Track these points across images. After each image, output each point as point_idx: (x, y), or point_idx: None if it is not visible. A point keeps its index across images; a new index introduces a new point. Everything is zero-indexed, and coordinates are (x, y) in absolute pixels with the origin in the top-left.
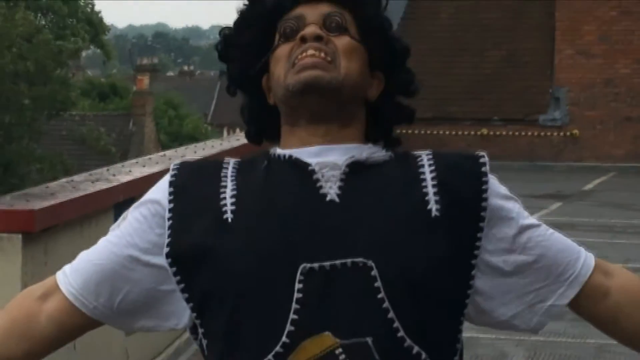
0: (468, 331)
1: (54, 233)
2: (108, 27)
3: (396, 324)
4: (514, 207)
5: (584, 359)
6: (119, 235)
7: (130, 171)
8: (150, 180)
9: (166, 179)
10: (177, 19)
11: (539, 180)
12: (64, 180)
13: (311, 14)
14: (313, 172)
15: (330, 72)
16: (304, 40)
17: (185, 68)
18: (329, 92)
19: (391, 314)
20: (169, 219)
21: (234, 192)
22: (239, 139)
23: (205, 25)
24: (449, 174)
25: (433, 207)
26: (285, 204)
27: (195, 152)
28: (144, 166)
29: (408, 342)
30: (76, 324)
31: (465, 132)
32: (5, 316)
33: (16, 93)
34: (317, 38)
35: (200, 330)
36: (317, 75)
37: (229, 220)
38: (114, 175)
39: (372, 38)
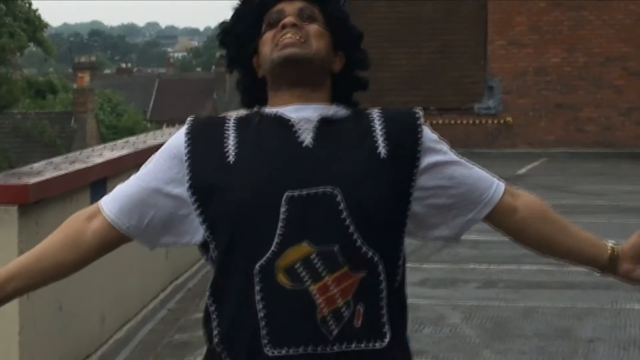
0: (409, 297)
1: (43, 206)
2: (46, 24)
3: (355, 236)
4: (443, 147)
5: (514, 320)
6: (146, 173)
7: (101, 154)
8: (119, 162)
9: (182, 130)
10: (112, 16)
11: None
12: (44, 162)
13: (289, 8)
14: (293, 124)
15: (304, 49)
16: (284, 27)
17: (123, 65)
18: (303, 64)
19: (352, 229)
20: (186, 161)
21: (235, 140)
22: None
23: (140, 22)
24: (393, 125)
25: (382, 150)
26: (273, 149)
27: (155, 138)
28: (112, 150)
29: (364, 249)
30: (113, 239)
31: None
32: (59, 233)
33: None
34: (294, 25)
35: (211, 245)
36: (294, 51)
37: (232, 161)
38: (87, 157)
39: (335, 26)
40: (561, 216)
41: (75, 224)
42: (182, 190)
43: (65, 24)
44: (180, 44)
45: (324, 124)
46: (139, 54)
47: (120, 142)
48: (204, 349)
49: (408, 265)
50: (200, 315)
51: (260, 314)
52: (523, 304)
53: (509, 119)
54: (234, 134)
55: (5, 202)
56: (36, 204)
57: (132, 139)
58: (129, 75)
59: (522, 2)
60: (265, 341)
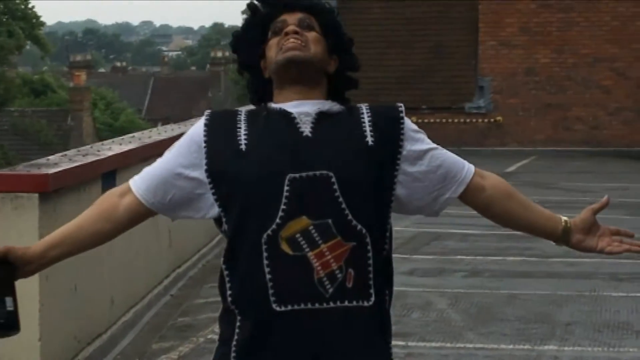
0: (398, 285)
1: (60, 195)
2: (43, 22)
3: (346, 211)
4: (422, 136)
5: (497, 305)
6: (169, 157)
7: (110, 148)
8: (128, 155)
9: (201, 121)
10: (107, 15)
11: None
12: (58, 155)
13: (290, 18)
14: (294, 117)
15: (304, 52)
16: (287, 34)
17: (118, 64)
18: (303, 65)
19: (343, 205)
20: (204, 148)
21: (246, 131)
22: (172, 129)
23: (135, 21)
24: (379, 118)
25: (369, 139)
26: (278, 138)
27: (159, 133)
28: (120, 144)
29: (354, 222)
30: (141, 213)
31: None
32: (96, 207)
33: None
34: (295, 32)
35: (224, 219)
36: (296, 54)
37: (243, 149)
38: (98, 151)
39: (329, 33)
40: (523, 194)
41: (110, 200)
42: (200, 173)
43: (59, 23)
44: (175, 42)
45: (321, 117)
46: (133, 53)
47: (127, 137)
48: (206, 331)
49: (398, 256)
50: (201, 301)
51: (268, 277)
52: (506, 291)
53: (499, 118)
54: (245, 125)
55: (28, 190)
56: (55, 192)
57: (137, 134)
58: (124, 74)
59: (513, 4)
60: (273, 299)
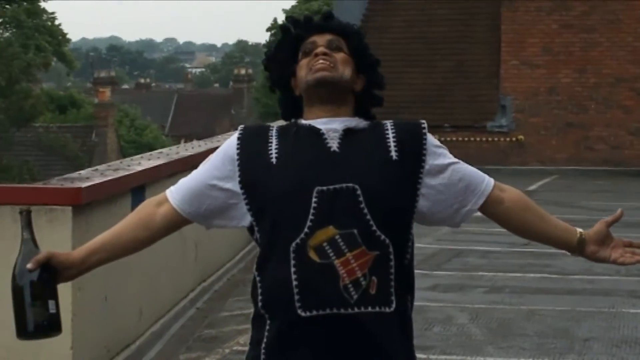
0: (420, 300)
1: (92, 208)
2: (69, 39)
3: (371, 222)
4: (444, 151)
5: (517, 321)
6: (204, 170)
7: (139, 163)
8: (156, 171)
9: (235, 136)
10: (131, 32)
11: None
12: (89, 169)
13: (320, 40)
14: (323, 134)
15: (333, 73)
16: (316, 55)
17: (142, 81)
18: (332, 85)
19: (368, 217)
20: (237, 161)
21: (277, 146)
22: (199, 145)
23: (158, 38)
24: (402, 133)
25: (393, 154)
26: (307, 152)
27: (186, 149)
28: (149, 160)
29: (378, 232)
30: (177, 221)
31: None
32: (134, 215)
33: None
34: (325, 54)
35: (256, 229)
36: (325, 74)
37: (274, 162)
38: (128, 166)
39: (357, 54)
40: (540, 207)
41: (147, 209)
42: (233, 184)
43: (83, 39)
44: (198, 59)
45: (348, 133)
46: (157, 69)
47: (155, 152)
48: (231, 343)
49: (419, 272)
50: (226, 314)
51: (295, 283)
52: (526, 307)
53: (520, 137)
54: (276, 141)
55: (62, 203)
56: (87, 205)
57: (165, 150)
58: (147, 91)
59: (535, 24)
60: (299, 304)
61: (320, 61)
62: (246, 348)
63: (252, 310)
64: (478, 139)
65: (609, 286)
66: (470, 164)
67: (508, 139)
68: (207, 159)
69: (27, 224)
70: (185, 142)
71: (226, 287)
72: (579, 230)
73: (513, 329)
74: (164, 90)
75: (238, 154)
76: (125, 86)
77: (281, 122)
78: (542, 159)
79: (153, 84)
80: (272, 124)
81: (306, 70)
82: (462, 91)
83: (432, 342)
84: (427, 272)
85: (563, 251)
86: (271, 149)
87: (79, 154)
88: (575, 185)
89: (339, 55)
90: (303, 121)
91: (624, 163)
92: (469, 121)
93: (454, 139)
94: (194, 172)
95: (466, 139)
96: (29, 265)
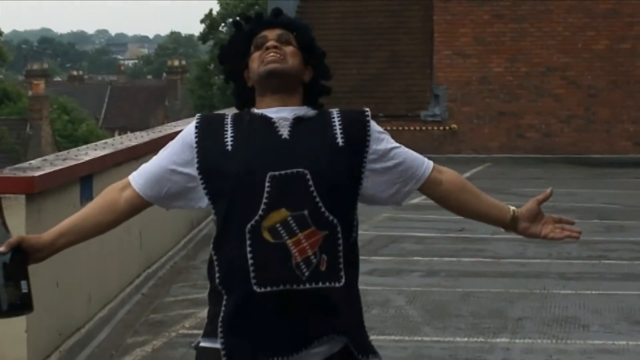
0: (359, 284)
1: (44, 196)
2: (1, 31)
3: (320, 204)
4: (386, 137)
5: (453, 303)
6: (164, 156)
7: (86, 153)
8: (103, 160)
9: (192, 124)
10: (62, 23)
11: None
12: (40, 159)
13: (270, 34)
14: (274, 122)
15: (283, 65)
16: (267, 48)
17: (74, 73)
18: (282, 76)
19: (317, 199)
20: (195, 148)
21: (232, 134)
22: (142, 136)
23: (90, 30)
24: (348, 121)
25: (340, 140)
26: (259, 140)
27: (129, 140)
28: (95, 150)
29: (327, 213)
30: (139, 204)
31: None
32: (99, 200)
33: None
34: (275, 47)
35: (213, 211)
36: (276, 66)
37: (229, 149)
38: (75, 156)
39: (305, 47)
40: (475, 187)
41: (112, 193)
42: (191, 169)
43: (14, 31)
44: (131, 51)
45: (297, 121)
46: (89, 62)
47: (100, 143)
48: (177, 327)
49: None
50: (171, 299)
51: (250, 261)
52: (461, 289)
53: (454, 125)
54: (231, 129)
55: (16, 191)
56: (39, 194)
57: (110, 140)
58: (80, 83)
59: (467, 14)
60: (254, 281)
61: (271, 54)
62: (192, 332)
63: (195, 296)
64: (412, 128)
65: (540, 269)
66: None
67: (442, 127)
68: (166, 145)
69: None
70: (120, 134)
71: (170, 273)
72: (512, 207)
73: (449, 310)
74: (97, 82)
75: (196, 142)
76: (58, 79)
77: (236, 112)
78: (475, 147)
79: (86, 76)
80: (227, 113)
81: (258, 63)
82: (396, 81)
83: (371, 323)
84: (365, 258)
85: (497, 232)
86: (227, 137)
87: (14, 147)
88: (508, 173)
89: (288, 49)
90: (256, 110)
91: (555, 150)
92: (403, 110)
93: (389, 128)
94: (155, 158)
95: (400, 128)
96: (1, 249)
